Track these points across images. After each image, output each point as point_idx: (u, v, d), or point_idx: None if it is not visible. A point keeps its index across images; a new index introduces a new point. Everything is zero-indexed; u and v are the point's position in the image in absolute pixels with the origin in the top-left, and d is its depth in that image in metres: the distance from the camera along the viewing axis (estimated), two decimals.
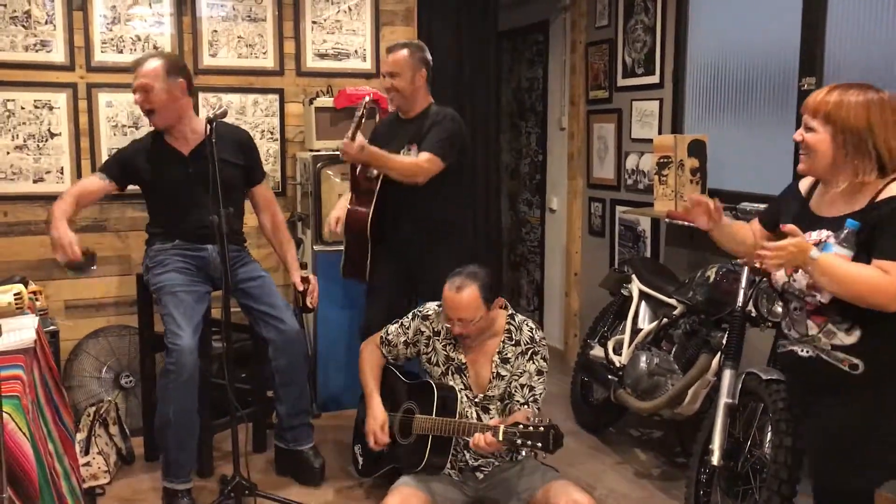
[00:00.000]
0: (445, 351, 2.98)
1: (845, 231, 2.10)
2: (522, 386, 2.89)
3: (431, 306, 3.06)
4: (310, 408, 3.66)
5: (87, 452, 3.35)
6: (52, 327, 3.43)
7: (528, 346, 2.93)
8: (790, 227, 2.17)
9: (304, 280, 3.52)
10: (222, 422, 3.51)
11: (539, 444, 2.52)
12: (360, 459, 3.28)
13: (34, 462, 2.17)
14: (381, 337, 3.15)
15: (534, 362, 2.91)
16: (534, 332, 2.96)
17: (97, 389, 3.95)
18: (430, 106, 3.54)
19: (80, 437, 3.35)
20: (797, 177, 3.36)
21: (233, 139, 3.45)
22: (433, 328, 3.02)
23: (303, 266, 3.69)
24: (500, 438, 2.58)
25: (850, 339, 2.16)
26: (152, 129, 3.42)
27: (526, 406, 2.85)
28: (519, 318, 3.00)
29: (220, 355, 3.42)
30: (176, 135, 3.36)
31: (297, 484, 3.45)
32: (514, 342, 2.94)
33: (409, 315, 3.10)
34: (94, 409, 3.53)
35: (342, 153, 3.23)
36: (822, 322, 2.20)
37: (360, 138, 3.19)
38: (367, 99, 3.48)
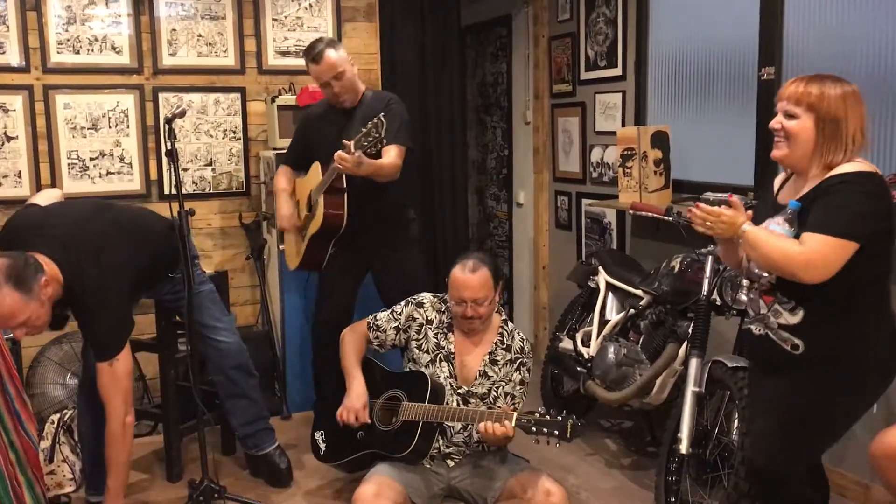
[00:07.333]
0: (436, 339, 3.02)
1: (788, 211, 2.22)
2: (506, 394, 2.94)
3: (426, 296, 3.10)
4: (264, 412, 3.51)
5: (51, 461, 3.29)
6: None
7: (518, 356, 2.98)
8: (735, 199, 2.29)
9: None
10: (190, 425, 3.47)
11: (556, 432, 2.55)
12: (323, 445, 3.26)
13: None
14: (369, 322, 3.15)
15: (520, 373, 2.97)
16: (524, 342, 3.01)
17: (61, 396, 3.89)
18: (366, 91, 3.57)
19: (44, 445, 3.29)
20: (759, 165, 3.44)
21: None
22: (426, 316, 3.05)
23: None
24: (513, 425, 2.61)
25: (794, 318, 2.24)
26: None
27: None
28: (511, 325, 3.06)
29: (185, 358, 3.38)
30: None
31: (268, 485, 3.42)
32: (505, 346, 2.98)
33: (402, 303, 3.13)
34: (58, 416, 3.46)
35: (338, 164, 3.16)
36: (770, 302, 2.30)
37: (359, 152, 3.13)
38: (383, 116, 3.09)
